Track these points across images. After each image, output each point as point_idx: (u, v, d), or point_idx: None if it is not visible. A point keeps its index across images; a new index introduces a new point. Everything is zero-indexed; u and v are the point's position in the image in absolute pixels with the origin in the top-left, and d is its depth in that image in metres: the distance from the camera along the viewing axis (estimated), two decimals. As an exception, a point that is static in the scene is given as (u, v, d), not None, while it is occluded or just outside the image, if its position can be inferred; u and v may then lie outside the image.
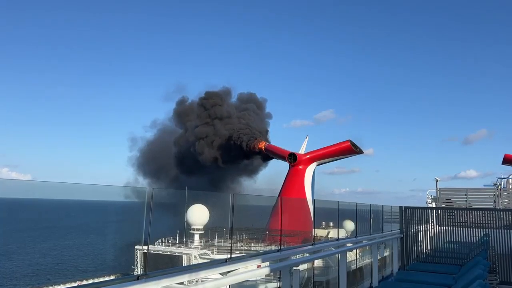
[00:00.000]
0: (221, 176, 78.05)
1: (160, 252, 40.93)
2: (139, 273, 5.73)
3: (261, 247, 43.70)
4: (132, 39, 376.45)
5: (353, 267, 20.19)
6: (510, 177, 37.84)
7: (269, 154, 67.73)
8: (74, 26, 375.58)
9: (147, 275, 6.02)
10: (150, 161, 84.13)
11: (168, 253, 41.50)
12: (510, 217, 16.36)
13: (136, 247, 43.04)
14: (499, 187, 31.62)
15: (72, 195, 7.39)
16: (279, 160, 66.24)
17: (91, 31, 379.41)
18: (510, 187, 34.28)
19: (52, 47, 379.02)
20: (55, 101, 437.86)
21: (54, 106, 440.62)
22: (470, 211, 18.37)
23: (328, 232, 46.90)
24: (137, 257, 43.22)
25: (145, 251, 35.91)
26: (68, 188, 6.49)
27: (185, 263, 39.02)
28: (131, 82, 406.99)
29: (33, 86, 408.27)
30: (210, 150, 72.03)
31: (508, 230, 16.18)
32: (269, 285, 37.84)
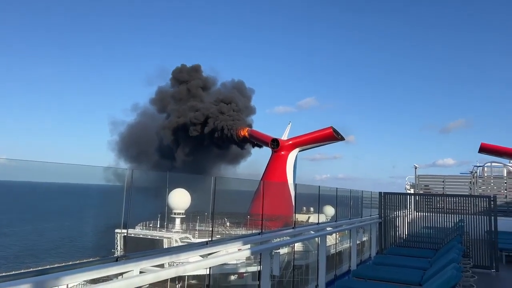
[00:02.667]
0: (202, 166, 77.93)
1: (141, 236, 40.76)
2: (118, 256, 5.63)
3: (242, 232, 43.97)
4: (117, 23, 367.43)
5: (333, 251, 20.48)
6: (485, 165, 38.89)
7: (252, 140, 67.66)
8: (56, 8, 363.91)
9: (126, 257, 5.96)
10: (131, 145, 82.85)
11: (149, 236, 41.38)
12: (484, 204, 16.81)
13: (116, 230, 42.65)
14: (475, 174, 32.44)
15: (50, 178, 7.14)
16: (262, 145, 66.37)
17: (75, 13, 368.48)
18: (485, 175, 35.24)
19: (32, 30, 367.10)
20: (33, 84, 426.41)
21: (32, 88, 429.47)
22: (447, 198, 18.79)
23: (309, 217, 47.44)
24: (117, 241, 42.93)
25: (124, 234, 35.74)
26: (46, 169, 6.26)
27: (166, 247, 38.98)
28: (113, 65, 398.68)
29: (11, 68, 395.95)
30: (180, 153, 72.22)
31: (482, 216, 16.64)
32: (249, 268, 38.20)
